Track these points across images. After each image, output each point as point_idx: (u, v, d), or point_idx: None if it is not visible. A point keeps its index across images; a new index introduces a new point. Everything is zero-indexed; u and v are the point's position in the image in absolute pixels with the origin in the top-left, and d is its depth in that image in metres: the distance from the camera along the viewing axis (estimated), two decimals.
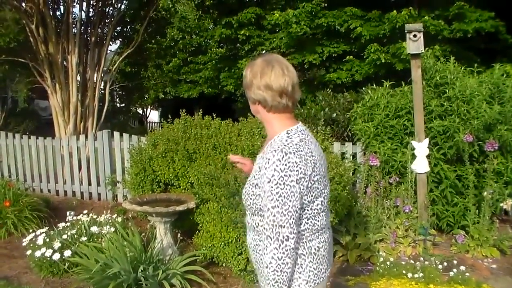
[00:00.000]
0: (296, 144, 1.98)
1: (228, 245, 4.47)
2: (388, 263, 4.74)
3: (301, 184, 1.94)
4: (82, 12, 9.19)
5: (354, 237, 5.14)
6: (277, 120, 2.09)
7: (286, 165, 1.91)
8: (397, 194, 5.48)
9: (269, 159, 1.95)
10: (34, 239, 5.07)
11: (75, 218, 5.45)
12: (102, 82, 9.93)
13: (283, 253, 1.91)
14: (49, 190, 8.40)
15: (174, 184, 5.36)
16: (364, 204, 5.32)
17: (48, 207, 6.80)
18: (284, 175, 1.90)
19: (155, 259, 4.44)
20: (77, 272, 4.64)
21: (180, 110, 6.01)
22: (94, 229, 5.00)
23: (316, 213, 2.06)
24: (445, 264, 4.78)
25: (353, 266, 5.00)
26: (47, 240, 4.95)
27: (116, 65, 10.06)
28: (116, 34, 10.53)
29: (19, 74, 14.61)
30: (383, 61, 11.35)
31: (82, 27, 9.30)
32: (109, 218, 5.36)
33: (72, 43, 8.77)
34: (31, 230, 5.70)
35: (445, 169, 5.51)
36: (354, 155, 6.42)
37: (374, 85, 6.65)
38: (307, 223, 2.04)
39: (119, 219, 5.38)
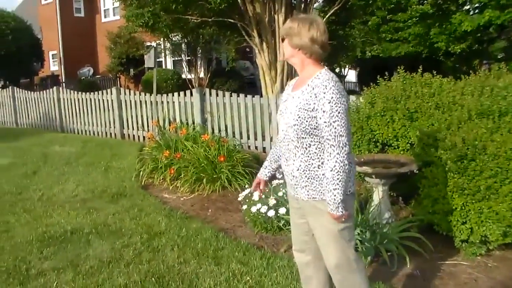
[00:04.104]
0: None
1: (451, 212, 4.06)
2: None
3: (348, 104, 2.57)
4: None
5: None
6: (313, 64, 2.68)
7: (338, 89, 2.51)
8: None
9: (325, 86, 2.52)
10: (249, 194, 5.18)
11: None
12: None
13: (344, 156, 2.49)
14: (256, 147, 8.66)
15: (393, 144, 5.03)
16: None
17: (259, 164, 6.91)
18: (340, 96, 2.49)
19: (371, 222, 4.23)
20: (290, 230, 4.62)
21: (399, 67, 5.61)
22: None
23: (351, 128, 2.74)
24: None
25: None
26: (262, 196, 5.00)
27: None
28: None
29: (225, 36, 15.34)
30: None
31: None
32: None
33: (279, 3, 8.82)
34: (243, 186, 5.83)
35: None
36: None
37: None
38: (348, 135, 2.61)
39: None
